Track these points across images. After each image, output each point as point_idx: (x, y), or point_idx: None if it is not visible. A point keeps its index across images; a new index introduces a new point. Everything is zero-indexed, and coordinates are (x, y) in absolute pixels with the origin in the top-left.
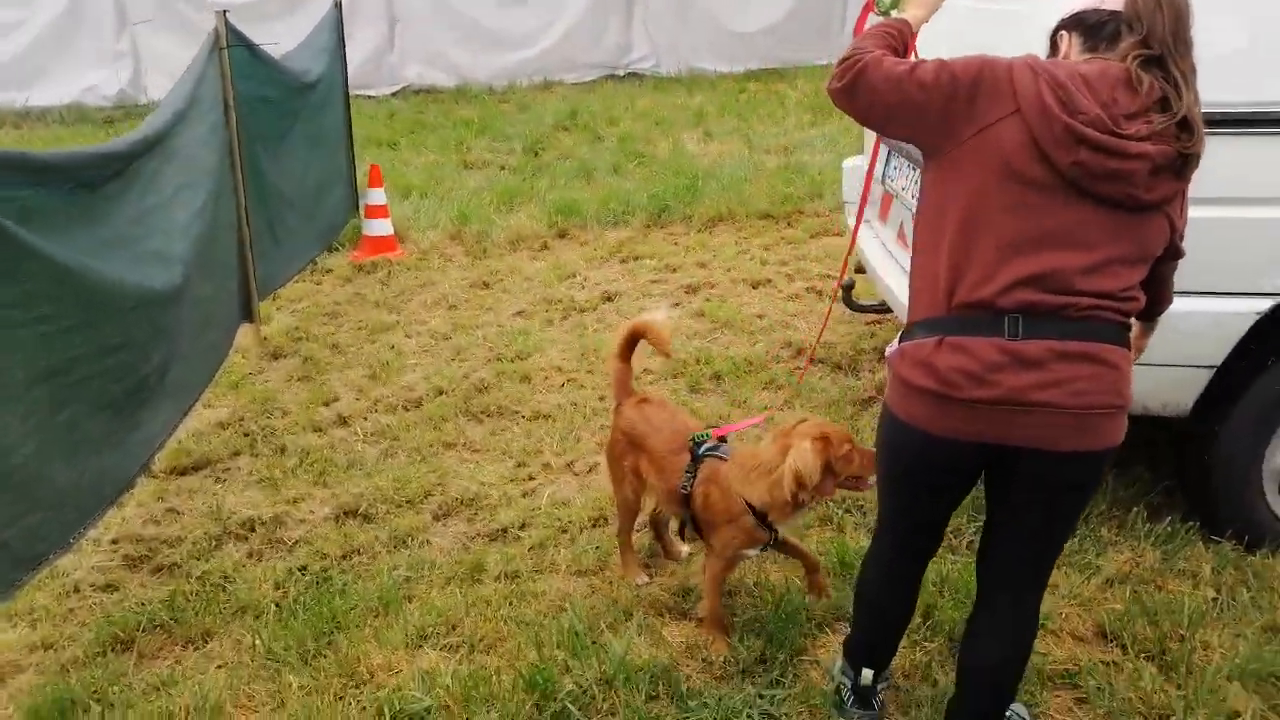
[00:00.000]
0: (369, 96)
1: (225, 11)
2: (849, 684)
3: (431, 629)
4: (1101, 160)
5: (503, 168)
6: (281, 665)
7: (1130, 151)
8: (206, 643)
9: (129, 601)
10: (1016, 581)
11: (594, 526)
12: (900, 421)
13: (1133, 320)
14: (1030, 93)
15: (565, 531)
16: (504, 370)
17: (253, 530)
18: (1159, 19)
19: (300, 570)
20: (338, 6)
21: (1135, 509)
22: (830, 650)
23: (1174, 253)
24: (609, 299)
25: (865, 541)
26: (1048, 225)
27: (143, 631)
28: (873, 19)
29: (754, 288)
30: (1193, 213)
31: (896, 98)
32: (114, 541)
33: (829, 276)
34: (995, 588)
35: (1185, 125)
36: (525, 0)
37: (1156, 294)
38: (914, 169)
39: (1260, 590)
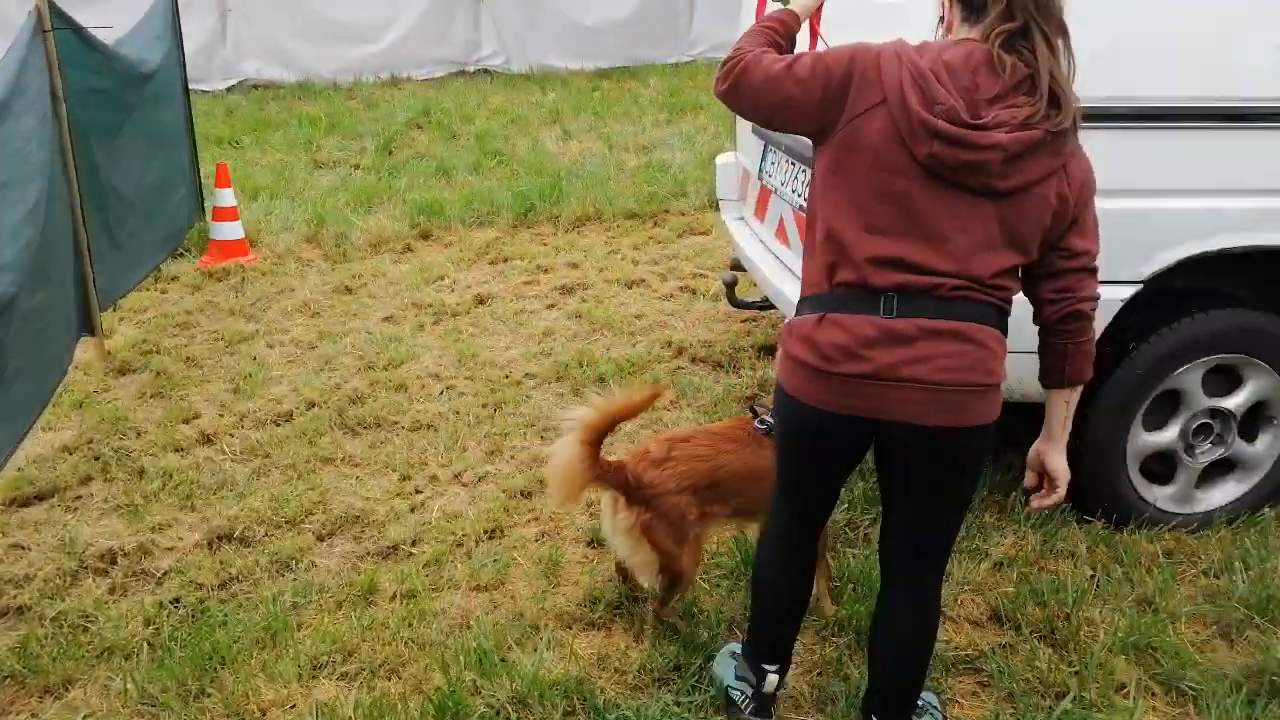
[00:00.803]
0: (202, 91)
1: None
2: (750, 690)
3: (325, 657)
4: (954, 153)
5: (356, 167)
6: (160, 709)
7: (980, 143)
8: (68, 690)
9: None
10: (910, 561)
11: (490, 538)
12: (785, 393)
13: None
14: (894, 83)
15: (460, 545)
16: (377, 379)
17: (114, 563)
18: None
19: (173, 603)
20: None
21: (1013, 494)
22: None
23: (1064, 245)
24: (482, 302)
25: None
26: (915, 210)
27: None
28: (771, 5)
29: (628, 288)
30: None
31: (776, 97)
32: None
33: (701, 275)
34: (892, 569)
35: (1053, 102)
36: None
37: (1063, 349)
38: (792, 164)
39: (1131, 565)
